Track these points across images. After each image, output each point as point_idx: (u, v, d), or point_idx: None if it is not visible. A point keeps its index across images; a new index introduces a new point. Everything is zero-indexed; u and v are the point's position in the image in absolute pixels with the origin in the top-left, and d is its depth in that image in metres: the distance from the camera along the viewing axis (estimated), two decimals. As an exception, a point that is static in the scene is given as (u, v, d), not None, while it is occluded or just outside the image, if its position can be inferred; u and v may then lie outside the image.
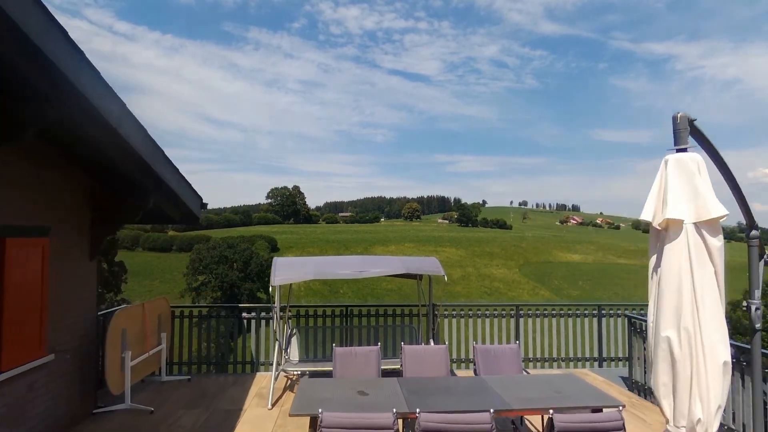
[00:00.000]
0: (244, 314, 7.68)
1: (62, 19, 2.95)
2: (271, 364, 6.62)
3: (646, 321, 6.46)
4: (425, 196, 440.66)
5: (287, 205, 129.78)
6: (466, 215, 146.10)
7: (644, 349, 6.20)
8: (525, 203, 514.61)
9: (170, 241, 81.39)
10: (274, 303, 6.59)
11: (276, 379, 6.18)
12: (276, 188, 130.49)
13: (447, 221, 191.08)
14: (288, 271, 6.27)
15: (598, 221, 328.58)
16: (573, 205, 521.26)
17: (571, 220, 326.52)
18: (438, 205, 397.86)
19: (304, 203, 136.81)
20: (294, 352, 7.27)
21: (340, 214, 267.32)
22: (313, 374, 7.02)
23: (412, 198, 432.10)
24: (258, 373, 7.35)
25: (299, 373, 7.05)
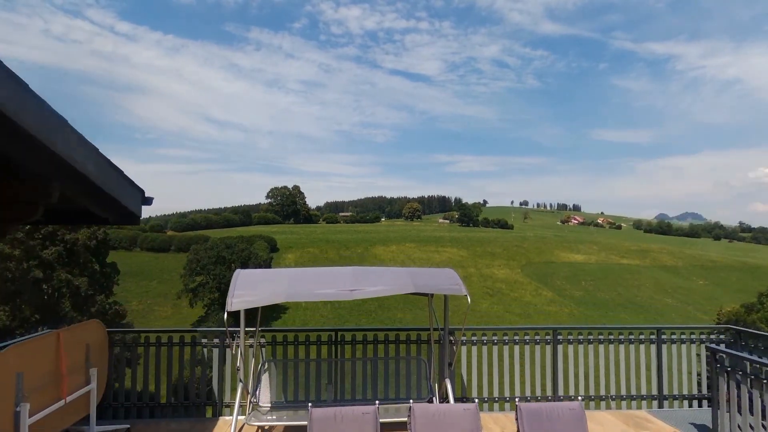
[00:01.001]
0: (205, 341, 5.98)
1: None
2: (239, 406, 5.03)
3: (734, 353, 4.86)
4: (426, 196, 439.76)
5: (287, 205, 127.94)
6: (467, 215, 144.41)
7: (739, 394, 4.55)
8: (526, 203, 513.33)
9: (168, 241, 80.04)
10: (234, 327, 4.95)
11: (238, 435, 4.55)
12: (276, 188, 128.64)
13: (448, 221, 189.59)
14: (253, 289, 4.62)
15: (600, 221, 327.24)
16: (574, 205, 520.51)
17: (573, 220, 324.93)
18: (438, 205, 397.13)
19: (304, 203, 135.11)
20: (264, 393, 5.50)
21: (341, 214, 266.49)
22: (289, 429, 5.35)
23: (413, 198, 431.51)
24: (221, 418, 5.64)
25: (273, 419, 5.32)
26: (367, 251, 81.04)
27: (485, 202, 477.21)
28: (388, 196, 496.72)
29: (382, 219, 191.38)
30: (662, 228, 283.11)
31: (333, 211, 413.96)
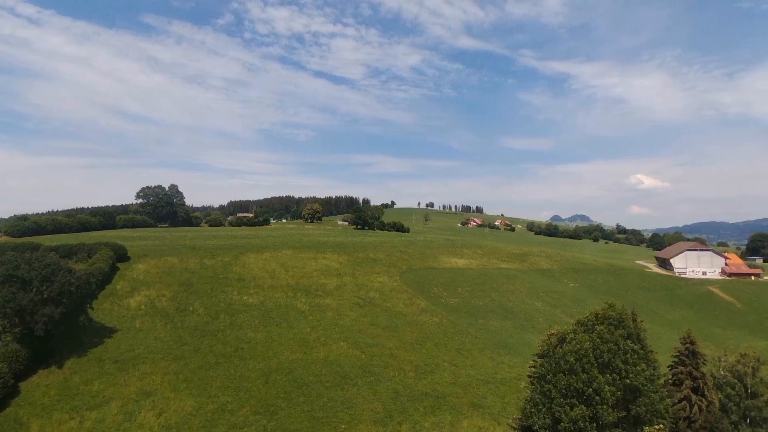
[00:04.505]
0: None
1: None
2: None
3: None
4: (333, 197, 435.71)
5: (161, 206, 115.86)
6: (362, 218, 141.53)
7: None
8: (432, 204, 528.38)
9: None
10: None
11: None
12: (148, 187, 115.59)
13: (347, 223, 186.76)
14: None
15: (497, 223, 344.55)
16: (477, 207, 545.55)
17: (472, 222, 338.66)
18: (346, 206, 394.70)
19: (183, 203, 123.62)
20: None
21: (239, 214, 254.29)
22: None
23: (321, 198, 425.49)
24: None
25: None
26: (236, 260, 74.61)
27: (393, 203, 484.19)
28: (297, 195, 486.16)
29: (272, 221, 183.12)
30: (550, 230, 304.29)
31: (238, 210, 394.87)
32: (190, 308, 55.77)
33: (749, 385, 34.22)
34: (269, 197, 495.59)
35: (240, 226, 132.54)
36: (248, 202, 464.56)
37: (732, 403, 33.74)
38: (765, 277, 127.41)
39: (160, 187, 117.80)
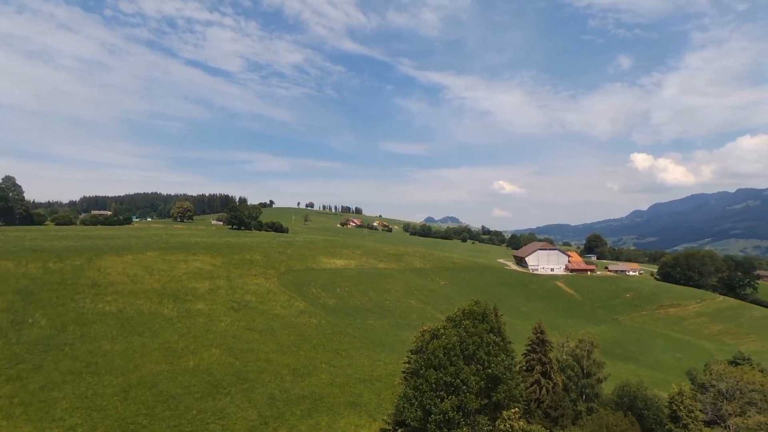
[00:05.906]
0: None
1: None
2: None
3: None
4: (207, 194, 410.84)
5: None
6: (238, 217, 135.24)
7: None
8: (312, 205, 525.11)
9: None
10: None
11: None
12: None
13: (221, 222, 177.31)
14: None
15: (375, 224, 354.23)
16: (356, 208, 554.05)
17: (351, 223, 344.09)
18: (220, 205, 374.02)
19: (21, 199, 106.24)
20: None
21: (94, 212, 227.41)
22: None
23: (193, 196, 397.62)
24: None
25: None
26: (90, 263, 66.40)
27: (272, 202, 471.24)
28: (165, 192, 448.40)
29: (135, 220, 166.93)
30: (424, 231, 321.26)
31: (94, 207, 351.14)
32: (30, 320, 48.30)
33: (585, 366, 39.77)
34: (132, 193, 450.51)
35: (96, 225, 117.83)
36: (106, 198, 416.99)
37: (572, 383, 38.91)
38: (598, 272, 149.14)
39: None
